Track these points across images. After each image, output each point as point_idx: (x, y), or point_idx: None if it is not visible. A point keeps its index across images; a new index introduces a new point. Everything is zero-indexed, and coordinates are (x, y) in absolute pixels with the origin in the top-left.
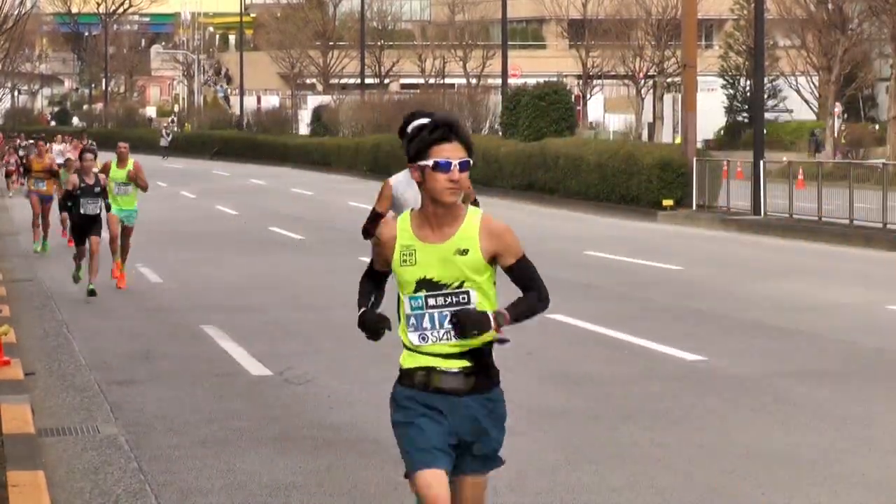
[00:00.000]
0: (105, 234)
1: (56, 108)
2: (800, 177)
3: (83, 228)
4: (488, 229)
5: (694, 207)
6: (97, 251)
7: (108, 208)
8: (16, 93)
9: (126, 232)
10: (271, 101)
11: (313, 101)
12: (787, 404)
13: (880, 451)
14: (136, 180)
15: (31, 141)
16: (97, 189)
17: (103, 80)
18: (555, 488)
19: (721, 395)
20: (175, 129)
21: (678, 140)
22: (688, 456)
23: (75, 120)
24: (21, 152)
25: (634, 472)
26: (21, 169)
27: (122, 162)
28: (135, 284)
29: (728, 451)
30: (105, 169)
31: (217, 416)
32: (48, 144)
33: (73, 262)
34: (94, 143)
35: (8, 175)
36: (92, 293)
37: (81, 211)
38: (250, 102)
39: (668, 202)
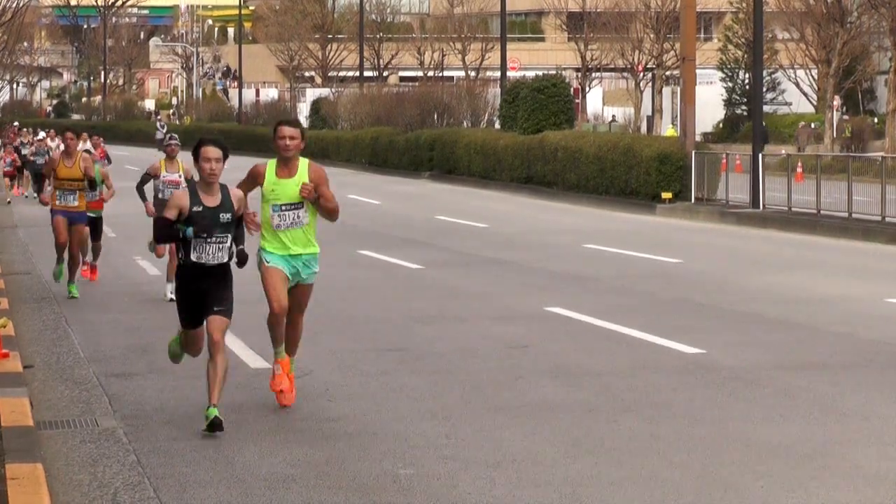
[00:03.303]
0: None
1: (55, 101)
2: (799, 170)
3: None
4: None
5: (693, 200)
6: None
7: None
8: (14, 85)
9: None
10: (270, 93)
11: (312, 93)
12: (786, 397)
13: (879, 443)
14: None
15: (39, 136)
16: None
17: (102, 73)
18: (553, 481)
19: (720, 388)
20: (175, 121)
21: (670, 131)
22: (687, 449)
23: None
24: (24, 151)
25: (633, 465)
26: (25, 172)
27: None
28: (134, 277)
29: (727, 443)
30: (154, 171)
31: None
32: (64, 141)
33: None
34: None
35: (9, 177)
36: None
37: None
38: (249, 95)
39: (666, 195)
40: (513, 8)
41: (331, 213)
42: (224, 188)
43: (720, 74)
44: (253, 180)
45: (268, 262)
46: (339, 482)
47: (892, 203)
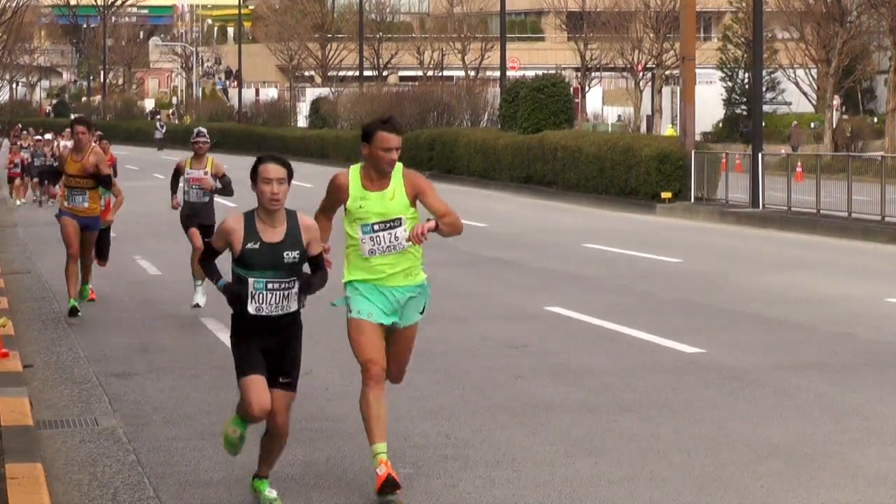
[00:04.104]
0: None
1: (54, 101)
2: (798, 169)
3: None
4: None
5: (692, 200)
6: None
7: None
8: (14, 85)
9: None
10: (270, 93)
11: (311, 93)
12: (786, 397)
13: (879, 443)
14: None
15: (41, 137)
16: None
17: (101, 73)
18: (553, 480)
19: (720, 388)
20: (175, 121)
21: (670, 130)
22: (687, 448)
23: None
24: (25, 153)
25: (633, 465)
26: (28, 171)
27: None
28: (134, 277)
29: (727, 443)
30: (179, 167)
31: (216, 408)
32: (60, 136)
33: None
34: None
35: (11, 180)
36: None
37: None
38: (249, 95)
39: (666, 195)
40: (512, 7)
41: (454, 229)
42: (291, 217)
43: (720, 74)
44: (335, 196)
45: (358, 313)
46: (339, 481)
47: (891, 203)
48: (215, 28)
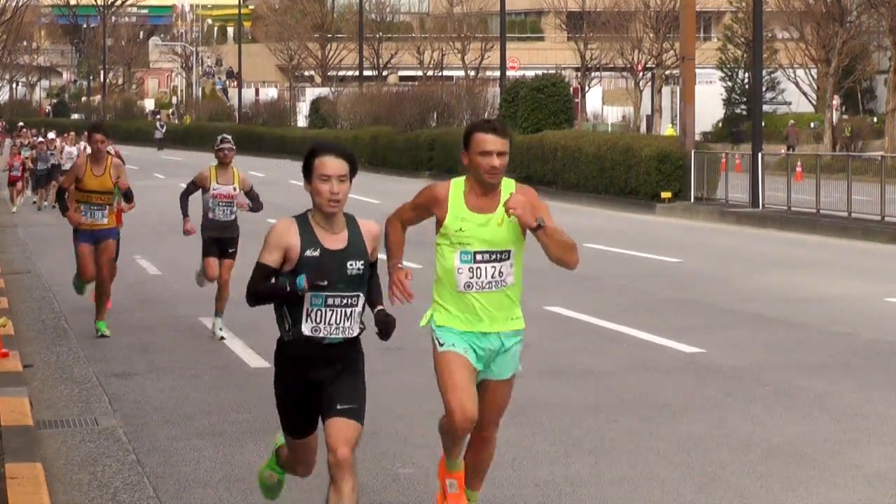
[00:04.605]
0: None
1: (54, 101)
2: (798, 169)
3: None
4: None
5: (692, 200)
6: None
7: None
8: (14, 85)
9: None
10: (269, 93)
11: (311, 93)
12: (786, 396)
13: (879, 442)
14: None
15: (44, 138)
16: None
17: (101, 72)
18: (553, 480)
19: (719, 387)
20: (175, 120)
21: (670, 130)
22: (686, 448)
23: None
24: (25, 153)
25: (633, 464)
26: (31, 174)
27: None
28: (133, 276)
29: (726, 443)
30: (202, 181)
31: (215, 408)
32: (90, 142)
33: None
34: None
35: (12, 183)
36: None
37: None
38: (249, 94)
39: (666, 194)
40: (512, 7)
41: (567, 254)
42: (352, 221)
43: (720, 74)
44: (426, 208)
45: (443, 345)
46: None
47: (891, 203)
48: (215, 28)
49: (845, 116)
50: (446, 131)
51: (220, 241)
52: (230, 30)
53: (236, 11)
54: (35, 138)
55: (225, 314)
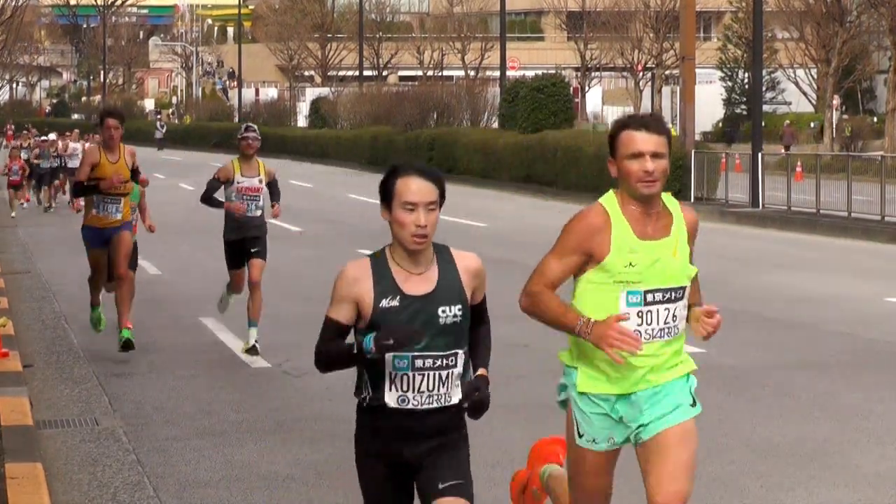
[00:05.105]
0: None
1: (54, 100)
2: (798, 169)
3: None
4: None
5: (692, 200)
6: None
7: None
8: (14, 85)
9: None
10: (269, 93)
11: (311, 93)
12: (787, 396)
13: (880, 442)
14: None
15: (46, 138)
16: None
17: (101, 72)
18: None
19: (720, 388)
20: (175, 120)
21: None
22: None
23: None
24: (24, 155)
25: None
26: (31, 175)
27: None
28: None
29: (727, 443)
30: (225, 174)
31: (215, 408)
32: (103, 129)
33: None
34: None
35: (14, 186)
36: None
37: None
38: (249, 94)
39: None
40: (512, 7)
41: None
42: (443, 255)
43: (720, 74)
44: (583, 250)
45: (581, 436)
46: (339, 482)
47: (891, 202)
48: (215, 28)
49: (845, 116)
50: (446, 131)
51: (243, 242)
52: (230, 30)
53: (236, 11)
54: (37, 138)
55: (225, 313)
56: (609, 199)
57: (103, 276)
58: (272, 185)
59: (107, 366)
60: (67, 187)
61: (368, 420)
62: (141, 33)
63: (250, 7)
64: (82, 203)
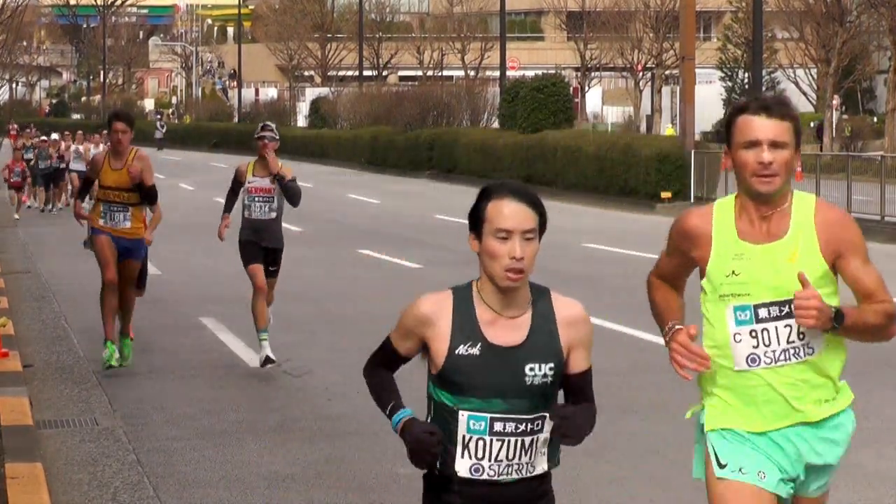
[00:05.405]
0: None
1: (54, 100)
2: (798, 169)
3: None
4: None
5: (692, 199)
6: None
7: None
8: (14, 85)
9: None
10: (269, 93)
11: (311, 93)
12: None
13: (879, 443)
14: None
15: (47, 138)
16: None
17: (101, 72)
18: (553, 480)
19: None
20: (174, 120)
21: (670, 130)
22: (687, 448)
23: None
24: (28, 155)
25: (633, 464)
26: (31, 175)
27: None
28: None
29: None
30: (240, 175)
31: (215, 407)
32: (111, 133)
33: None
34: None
35: (14, 188)
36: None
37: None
38: (248, 94)
39: (666, 194)
40: (512, 7)
41: (881, 332)
42: (542, 298)
43: (719, 74)
44: (683, 250)
45: (723, 466)
46: (339, 482)
47: (891, 202)
48: (215, 28)
49: (845, 116)
50: (446, 131)
51: (258, 245)
52: (230, 30)
53: (236, 11)
54: (38, 138)
55: (225, 313)
56: (724, 201)
57: (113, 260)
58: (288, 188)
59: None
60: (68, 192)
61: (437, 489)
62: (141, 33)
63: (250, 7)
64: (85, 213)
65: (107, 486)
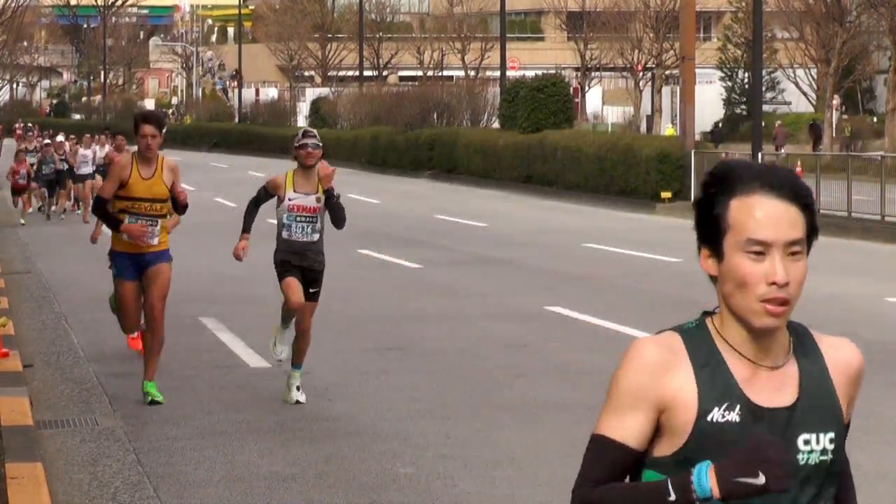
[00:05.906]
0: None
1: (55, 101)
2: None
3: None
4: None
5: (692, 199)
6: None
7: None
8: (14, 85)
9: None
10: (270, 93)
11: (311, 93)
12: None
13: (879, 442)
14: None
15: (51, 141)
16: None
17: (102, 73)
18: (553, 480)
19: None
20: (174, 121)
21: (670, 130)
22: None
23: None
24: (32, 159)
25: None
26: (35, 179)
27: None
28: None
29: None
30: (275, 187)
31: (216, 407)
32: (138, 137)
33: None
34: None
35: (17, 191)
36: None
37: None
38: (249, 95)
39: (666, 194)
40: (512, 7)
41: None
42: (803, 338)
43: (719, 74)
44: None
45: None
46: (339, 482)
47: (891, 202)
48: (215, 28)
49: (845, 116)
50: (446, 131)
51: (298, 267)
52: (230, 30)
53: (236, 11)
54: (42, 141)
55: (225, 313)
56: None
57: (136, 314)
58: (333, 207)
59: (107, 366)
60: (70, 198)
61: None
62: (141, 33)
63: (250, 7)
64: (100, 232)
65: (107, 486)
